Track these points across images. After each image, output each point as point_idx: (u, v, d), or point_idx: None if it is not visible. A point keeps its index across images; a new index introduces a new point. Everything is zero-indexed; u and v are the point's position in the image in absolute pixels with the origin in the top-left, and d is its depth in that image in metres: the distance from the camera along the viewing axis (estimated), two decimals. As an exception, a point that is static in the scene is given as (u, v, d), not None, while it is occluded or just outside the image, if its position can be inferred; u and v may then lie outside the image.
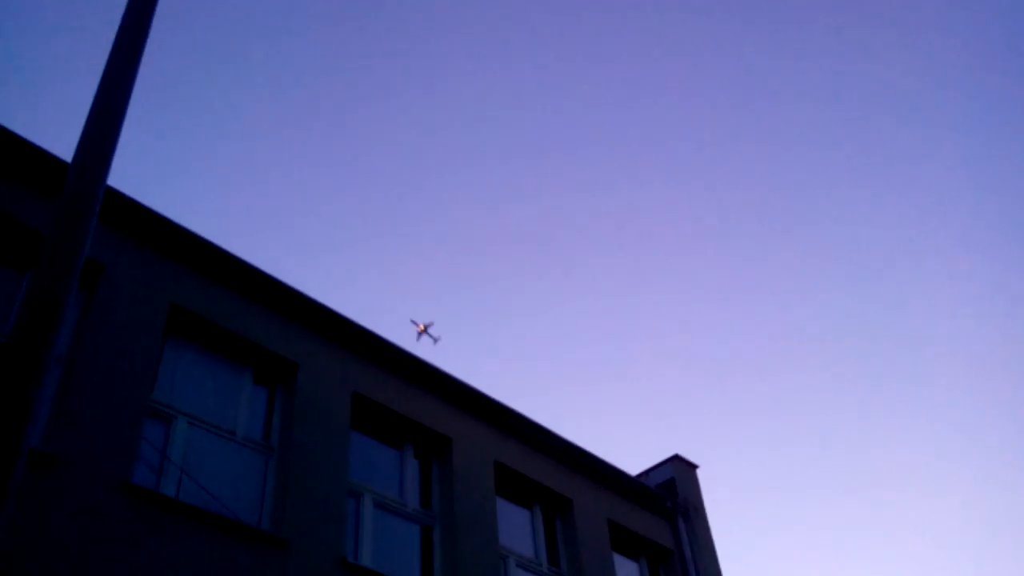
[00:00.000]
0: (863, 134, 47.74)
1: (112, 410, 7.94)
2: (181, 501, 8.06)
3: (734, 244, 53.37)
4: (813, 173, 49.82)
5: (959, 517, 43.67)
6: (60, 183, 8.64)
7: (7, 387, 2.02)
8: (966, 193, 43.58)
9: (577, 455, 12.78)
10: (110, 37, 3.09)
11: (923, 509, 45.40)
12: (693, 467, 15.02)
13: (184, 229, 9.51)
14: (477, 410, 11.82)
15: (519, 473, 11.95)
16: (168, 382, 8.98)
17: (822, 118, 48.78)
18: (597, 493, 12.91)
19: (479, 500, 11.01)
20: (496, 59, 57.15)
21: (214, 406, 9.24)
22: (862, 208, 48.34)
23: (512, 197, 59.86)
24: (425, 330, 43.19)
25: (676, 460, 14.80)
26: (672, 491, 14.26)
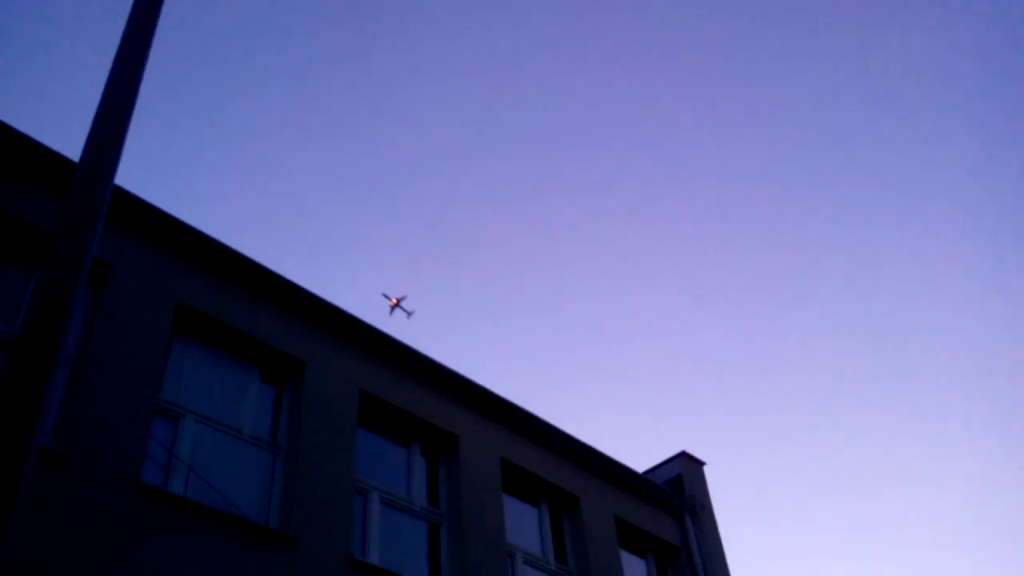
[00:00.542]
0: (871, 133, 47.59)
1: (120, 408, 7.96)
2: (189, 499, 8.08)
3: (741, 243, 53.26)
4: (814, 172, 49.69)
5: (966, 514, 43.55)
6: (67, 182, 8.66)
7: (17, 386, 2.02)
8: (972, 189, 43.42)
9: (584, 452, 12.78)
10: (116, 35, 3.10)
11: (931, 506, 45.29)
12: (700, 464, 15.01)
13: (191, 228, 9.52)
14: (484, 408, 11.82)
15: (526, 470, 11.95)
16: (175, 380, 9.00)
17: (828, 118, 48.64)
18: (604, 490, 12.91)
19: (486, 498, 11.01)
20: (496, 59, 57.08)
21: (221, 404, 9.26)
22: (865, 207, 48.22)
23: (520, 195, 59.84)
24: (398, 303, 42.38)
25: (683, 457, 14.79)
26: (679, 488, 14.24)
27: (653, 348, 56.17)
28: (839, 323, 49.16)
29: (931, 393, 47.05)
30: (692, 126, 54.40)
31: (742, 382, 52.45)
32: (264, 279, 10.03)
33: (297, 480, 9.05)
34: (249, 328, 9.67)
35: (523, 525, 11.82)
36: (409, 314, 42.48)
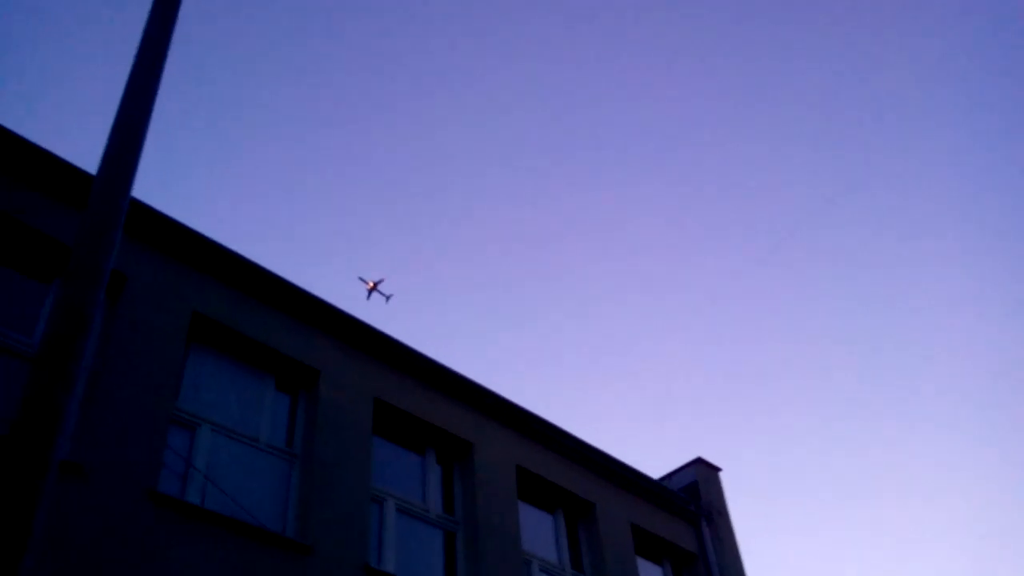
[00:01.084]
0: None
1: (137, 418, 8.00)
2: (206, 508, 8.11)
3: (757, 248, 53.05)
4: (830, 176, 49.44)
5: (985, 523, 43.11)
6: (82, 194, 8.72)
7: (39, 400, 2.04)
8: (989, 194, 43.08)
9: (599, 459, 12.75)
10: (132, 48, 3.13)
11: (951, 515, 44.85)
12: (716, 470, 14.94)
13: (205, 238, 9.58)
14: (498, 415, 11.82)
15: (541, 477, 11.93)
16: (192, 390, 9.04)
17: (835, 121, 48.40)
18: (620, 497, 12.87)
19: (502, 505, 11.00)
20: (496, 61, 57.10)
21: (237, 413, 9.30)
22: (888, 211, 47.91)
23: (532, 197, 59.84)
24: (375, 287, 41.45)
25: (699, 463, 14.73)
26: (695, 494, 14.18)
27: (666, 353, 56.03)
28: (859, 329, 48.85)
29: (954, 399, 46.64)
30: (710, 129, 54.27)
31: (757, 388, 52.21)
32: (278, 288, 10.07)
33: (313, 488, 9.07)
34: (264, 337, 9.71)
35: (539, 532, 11.79)
36: (388, 297, 41.51)
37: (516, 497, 11.33)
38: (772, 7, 47.82)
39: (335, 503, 9.15)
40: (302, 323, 10.21)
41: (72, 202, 8.68)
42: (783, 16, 47.68)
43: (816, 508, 48.19)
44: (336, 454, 9.52)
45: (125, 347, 8.31)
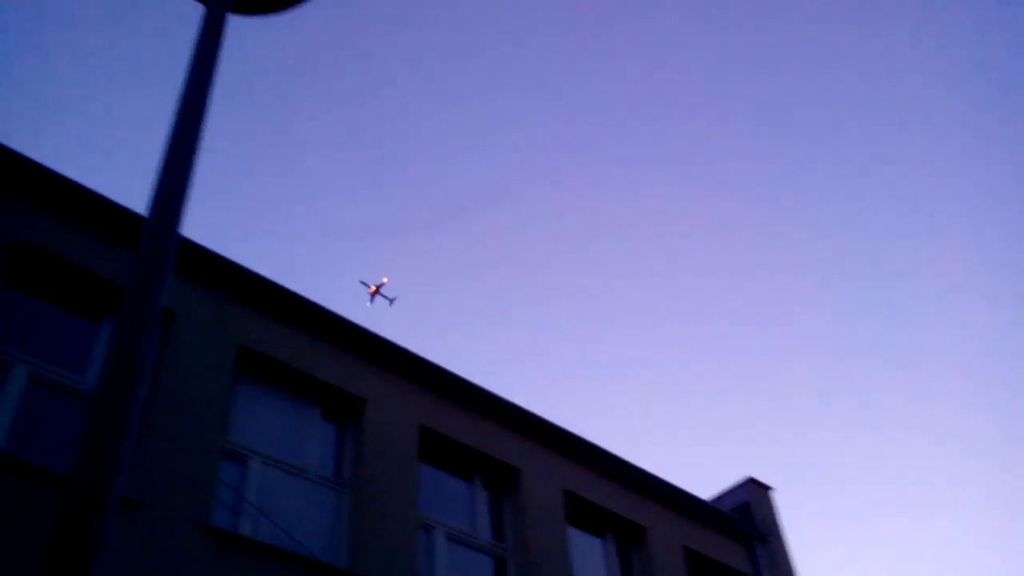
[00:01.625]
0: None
1: (189, 452, 8.12)
2: (258, 540, 8.18)
3: (807, 260, 52.39)
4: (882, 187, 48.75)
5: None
6: (127, 231, 8.93)
7: (96, 442, 2.08)
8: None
9: (648, 481, 12.61)
10: (177, 87, 3.20)
11: (1016, 530, 43.51)
12: (768, 489, 14.68)
13: (250, 272, 9.73)
14: (545, 439, 11.77)
15: (590, 502, 11.84)
16: (241, 422, 9.15)
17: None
18: (671, 519, 12.70)
19: (551, 530, 10.92)
20: (491, 55, 57.25)
21: (286, 444, 9.39)
22: (933, 231, 47.03)
23: (570, 211, 59.79)
24: (377, 291, 40.77)
25: (750, 483, 14.49)
26: (747, 515, 13.94)
27: (710, 370, 55.42)
28: (911, 343, 47.81)
29: (1015, 416, 45.35)
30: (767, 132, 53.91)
31: (807, 402, 51.36)
32: (322, 318, 10.17)
33: (363, 518, 9.10)
34: (310, 368, 9.81)
35: (589, 558, 11.68)
36: (391, 301, 40.92)
37: (565, 522, 11.25)
38: (774, 9, 47.56)
39: (385, 532, 9.17)
40: (346, 352, 10.30)
41: (117, 238, 8.88)
42: (787, 21, 47.37)
43: (874, 525, 47.09)
44: (384, 482, 9.55)
45: (175, 382, 8.45)
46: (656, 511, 12.57)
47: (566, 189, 59.83)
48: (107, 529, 2.06)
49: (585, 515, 11.94)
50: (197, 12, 3.58)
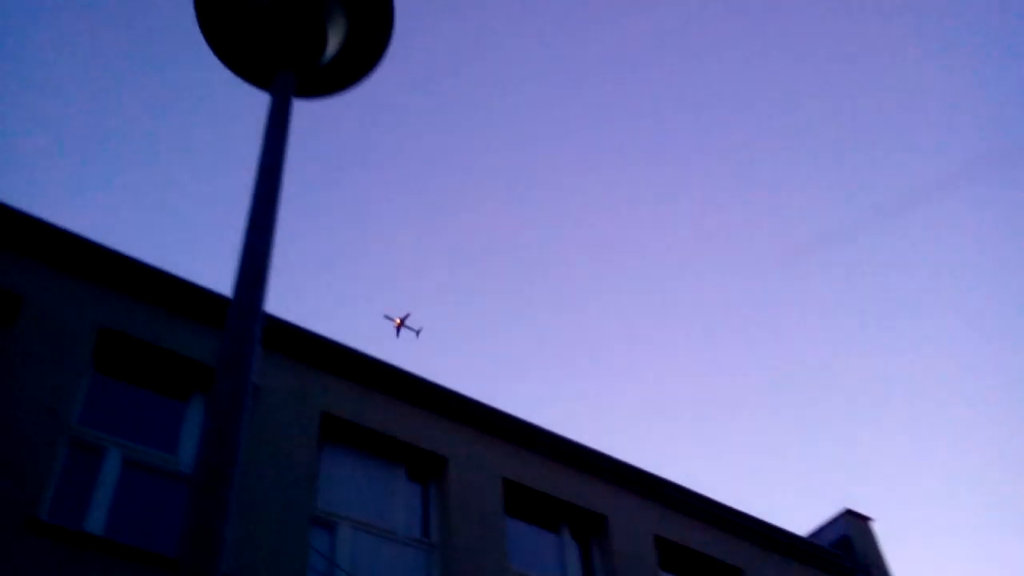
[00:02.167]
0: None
1: (279, 522, 8.22)
2: (353, 607, 8.19)
3: (901, 287, 50.98)
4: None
5: None
6: (207, 310, 9.21)
7: (198, 527, 2.14)
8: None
9: (743, 521, 12.28)
10: (250, 170, 3.32)
11: None
12: (868, 520, 14.14)
13: (328, 340, 9.90)
14: (631, 484, 11.59)
15: (684, 546, 11.57)
16: (327, 488, 9.25)
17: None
18: (768, 560, 12.31)
19: (645, 578, 10.69)
20: (486, 60, 57.41)
21: (373, 507, 9.44)
22: None
23: (645, 260, 59.51)
24: (402, 323, 40.86)
25: (848, 515, 13.99)
26: (848, 549, 13.44)
27: (788, 401, 53.99)
28: (999, 361, 45.89)
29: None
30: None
31: (898, 426, 49.52)
32: (400, 379, 10.27)
33: (454, 577, 9.05)
34: (392, 429, 9.89)
35: (687, 603, 11.37)
36: (418, 332, 41.02)
37: (658, 568, 11.01)
38: (774, 11, 46.97)
39: (477, 591, 9.09)
40: (425, 410, 10.36)
41: (197, 318, 9.16)
42: (789, 23, 46.69)
43: (982, 551, 44.78)
44: (472, 539, 9.51)
45: (262, 453, 8.60)
46: (753, 552, 12.20)
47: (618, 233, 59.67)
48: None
49: (679, 560, 11.66)
50: (264, 99, 3.72)
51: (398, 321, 41.22)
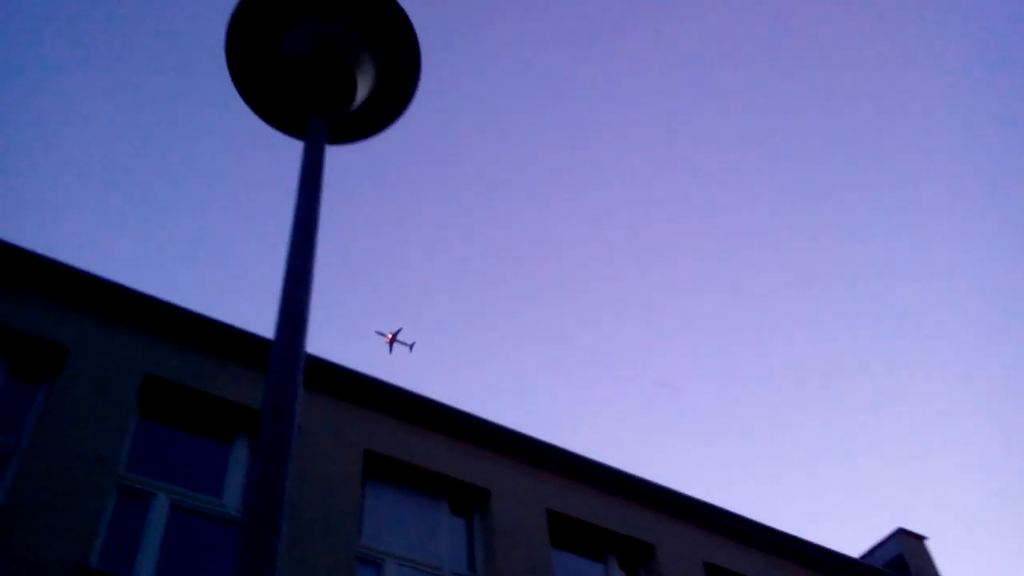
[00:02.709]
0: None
1: (325, 562, 8.22)
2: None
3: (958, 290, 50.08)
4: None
5: None
6: (245, 353, 9.32)
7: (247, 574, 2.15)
8: None
9: (795, 545, 12.05)
10: (288, 215, 3.36)
11: None
12: (921, 539, 13.82)
13: (368, 377, 9.96)
14: (677, 512, 11.44)
15: (733, 572, 11.37)
16: (372, 526, 9.25)
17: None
18: (822, 583, 12.05)
19: (696, 606, 10.51)
20: (481, 65, 57.48)
21: (418, 543, 9.42)
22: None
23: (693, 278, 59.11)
24: (394, 338, 41.03)
25: (901, 534, 13.68)
26: (903, 569, 13.12)
27: (834, 422, 53.04)
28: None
29: None
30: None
31: (949, 442, 48.40)
32: (441, 413, 10.28)
33: (502, 612, 8.97)
34: (434, 464, 9.89)
35: (740, 631, 11.16)
36: (411, 346, 41.13)
37: (709, 596, 10.82)
38: (775, 12, 46.71)
39: (526, 625, 9.00)
40: (466, 443, 10.35)
41: (239, 360, 9.27)
42: (791, 24, 46.37)
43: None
44: (518, 572, 9.44)
45: (306, 493, 8.63)
46: (804, 576, 11.96)
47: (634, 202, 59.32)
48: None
49: (729, 586, 11.46)
50: (298, 148, 3.78)
51: (390, 336, 41.52)
